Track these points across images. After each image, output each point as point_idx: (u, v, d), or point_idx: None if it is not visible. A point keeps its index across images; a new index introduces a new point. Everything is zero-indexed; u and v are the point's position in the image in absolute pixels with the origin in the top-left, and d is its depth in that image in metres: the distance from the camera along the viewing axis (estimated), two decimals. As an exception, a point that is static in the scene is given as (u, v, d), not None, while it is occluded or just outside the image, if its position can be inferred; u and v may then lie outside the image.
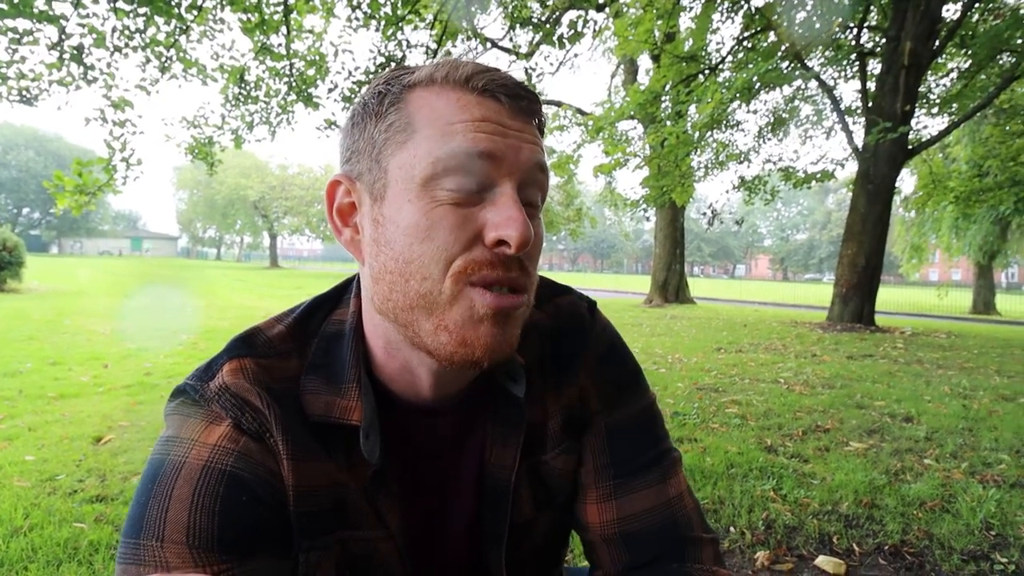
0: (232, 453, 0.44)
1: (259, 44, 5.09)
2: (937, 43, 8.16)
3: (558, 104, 14.50)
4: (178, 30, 4.93)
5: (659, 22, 9.27)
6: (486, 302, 0.43)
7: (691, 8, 10.57)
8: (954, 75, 10.65)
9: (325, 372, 0.49)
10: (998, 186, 10.92)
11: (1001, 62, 8.77)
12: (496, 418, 0.55)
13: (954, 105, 10.10)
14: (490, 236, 0.42)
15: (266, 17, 4.80)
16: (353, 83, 5.82)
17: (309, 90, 5.69)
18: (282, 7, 4.82)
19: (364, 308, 0.51)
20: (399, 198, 0.43)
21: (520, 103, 0.45)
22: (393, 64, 5.59)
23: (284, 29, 5.05)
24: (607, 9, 9.00)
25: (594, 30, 10.00)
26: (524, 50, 9.33)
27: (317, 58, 5.58)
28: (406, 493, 0.52)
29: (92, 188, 4.73)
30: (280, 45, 5.17)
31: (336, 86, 5.95)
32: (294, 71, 5.69)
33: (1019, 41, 8.16)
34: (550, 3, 7.35)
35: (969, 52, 9.07)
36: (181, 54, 5.15)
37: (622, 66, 15.02)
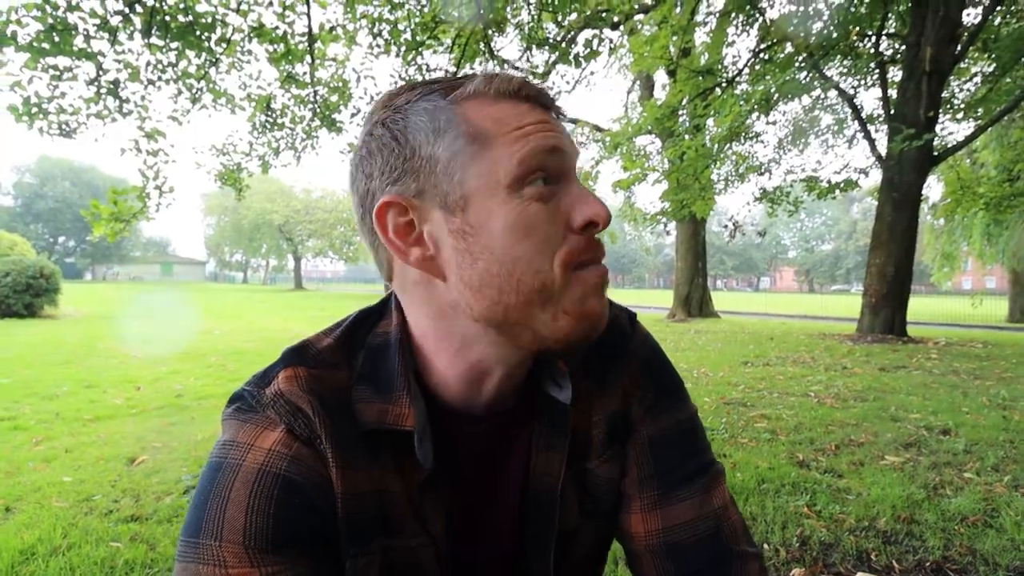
0: (286, 457, 0.46)
1: (285, 73, 5.27)
2: (959, 48, 8.04)
3: (574, 122, 14.61)
4: (208, 62, 5.13)
5: (674, 38, 9.33)
6: (593, 278, 0.47)
7: (706, 23, 10.63)
8: (978, 79, 10.45)
9: (374, 382, 0.51)
10: (1030, 190, 10.60)
11: (1028, 64, 8.59)
12: (542, 425, 0.56)
13: (979, 110, 9.89)
14: (579, 220, 0.46)
15: (291, 47, 4.98)
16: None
17: (333, 115, 5.87)
18: (306, 37, 5.00)
19: (421, 320, 0.52)
20: (486, 205, 0.45)
21: (554, 105, 0.50)
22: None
23: (308, 58, 5.23)
24: (622, 27, 9.10)
25: (610, 48, 10.12)
26: (541, 70, 9.46)
27: (340, 84, 5.76)
28: (452, 500, 0.53)
29: (127, 216, 4.91)
30: (305, 73, 5.35)
31: (359, 111, 6.13)
32: (318, 98, 5.88)
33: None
34: (565, 24, 7.47)
35: (992, 56, 8.91)
36: (211, 85, 5.36)
37: (638, 82, 15.10)
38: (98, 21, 4.33)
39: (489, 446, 0.55)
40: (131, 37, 4.66)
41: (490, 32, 5.27)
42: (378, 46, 5.50)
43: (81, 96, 4.82)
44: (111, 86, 4.80)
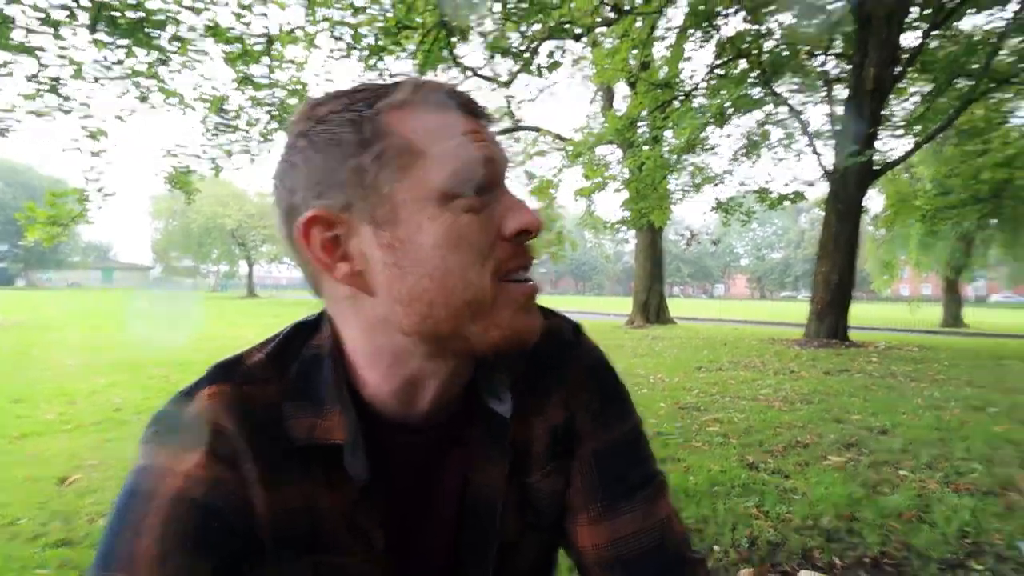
0: (205, 481, 0.44)
1: (241, 74, 5.12)
2: (899, 69, 8.54)
3: (537, 130, 14.76)
4: (158, 60, 4.94)
5: (634, 51, 9.56)
6: (523, 293, 0.48)
7: (665, 38, 10.94)
8: (916, 98, 11.12)
9: (306, 396, 0.50)
10: (961, 203, 11.35)
11: (959, 85, 9.20)
12: (481, 439, 0.55)
13: (917, 127, 10.53)
14: (511, 227, 0.46)
15: (248, 48, 4.84)
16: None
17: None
18: (265, 38, 4.87)
19: (352, 334, 0.51)
20: (415, 218, 0.44)
21: (484, 111, 0.50)
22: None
23: (266, 59, 5.10)
24: (585, 39, 9.26)
25: (573, 59, 10.33)
26: (504, 78, 9.53)
27: (299, 87, 5.63)
28: (388, 513, 0.52)
29: (65, 219, 4.66)
30: (262, 75, 5.21)
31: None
32: (276, 100, 5.73)
33: (974, 66, 8.61)
34: (528, 34, 7.56)
35: (929, 77, 9.51)
36: (161, 84, 5.16)
37: (600, 93, 15.38)
38: (41, 15, 4.11)
39: (426, 458, 0.55)
40: (76, 32, 4.45)
41: (453, 39, 5.27)
42: (339, 50, 5.42)
43: (20, 93, 4.56)
44: (52, 83, 4.56)
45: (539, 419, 0.58)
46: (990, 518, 2.30)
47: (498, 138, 0.51)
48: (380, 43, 5.19)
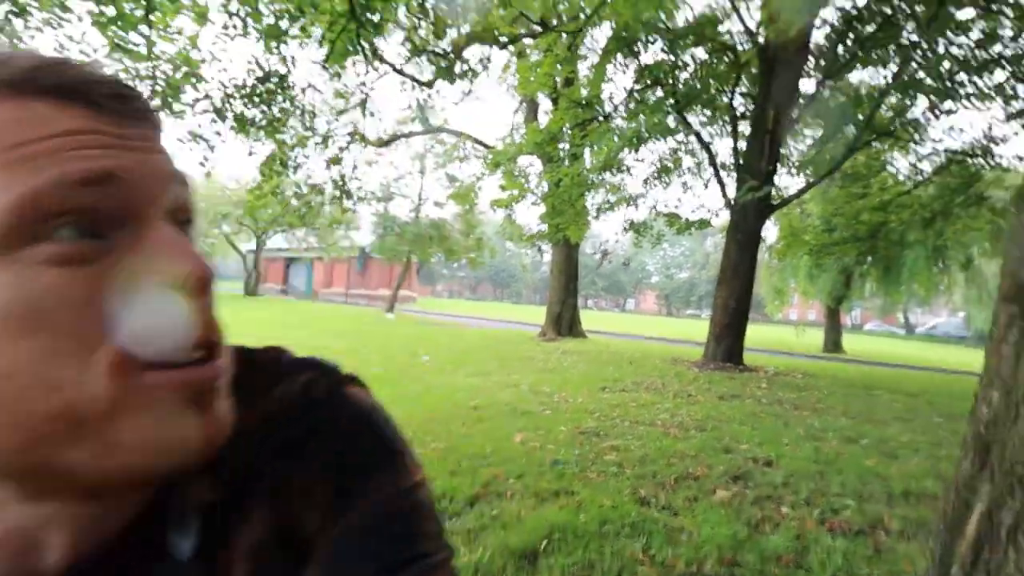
0: None
1: (113, 41, 4.49)
2: (796, 112, 9.20)
3: (459, 134, 14.56)
4: (12, 13, 4.24)
5: (558, 67, 9.64)
6: (181, 380, 0.30)
7: (587, 57, 11.17)
8: (810, 141, 12.08)
9: None
10: (843, 241, 12.45)
11: (847, 132, 10.07)
12: None
13: (809, 168, 11.43)
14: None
15: (124, 12, 4.25)
16: (225, 95, 5.33)
17: (171, 98, 5.06)
18: (145, 2, 4.30)
19: None
20: None
21: (129, 104, 0.31)
22: (275, 80, 5.18)
23: (145, 28, 4.51)
24: (511, 47, 9.20)
25: (501, 67, 10.21)
26: (429, 78, 9.24)
27: (188, 63, 5.03)
28: None
29: None
30: (141, 45, 4.59)
31: (207, 96, 5.35)
32: (161, 74, 5.10)
33: (860, 117, 9.45)
34: (450, 38, 7.37)
35: (821, 123, 10.34)
36: (16, 42, 4.43)
37: (524, 104, 15.45)
38: None
39: None
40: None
41: (366, 31, 4.94)
42: (234, 27, 4.91)
43: None
44: None
45: (246, 539, 0.36)
46: (860, 562, 2.36)
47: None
48: (281, 25, 4.76)
